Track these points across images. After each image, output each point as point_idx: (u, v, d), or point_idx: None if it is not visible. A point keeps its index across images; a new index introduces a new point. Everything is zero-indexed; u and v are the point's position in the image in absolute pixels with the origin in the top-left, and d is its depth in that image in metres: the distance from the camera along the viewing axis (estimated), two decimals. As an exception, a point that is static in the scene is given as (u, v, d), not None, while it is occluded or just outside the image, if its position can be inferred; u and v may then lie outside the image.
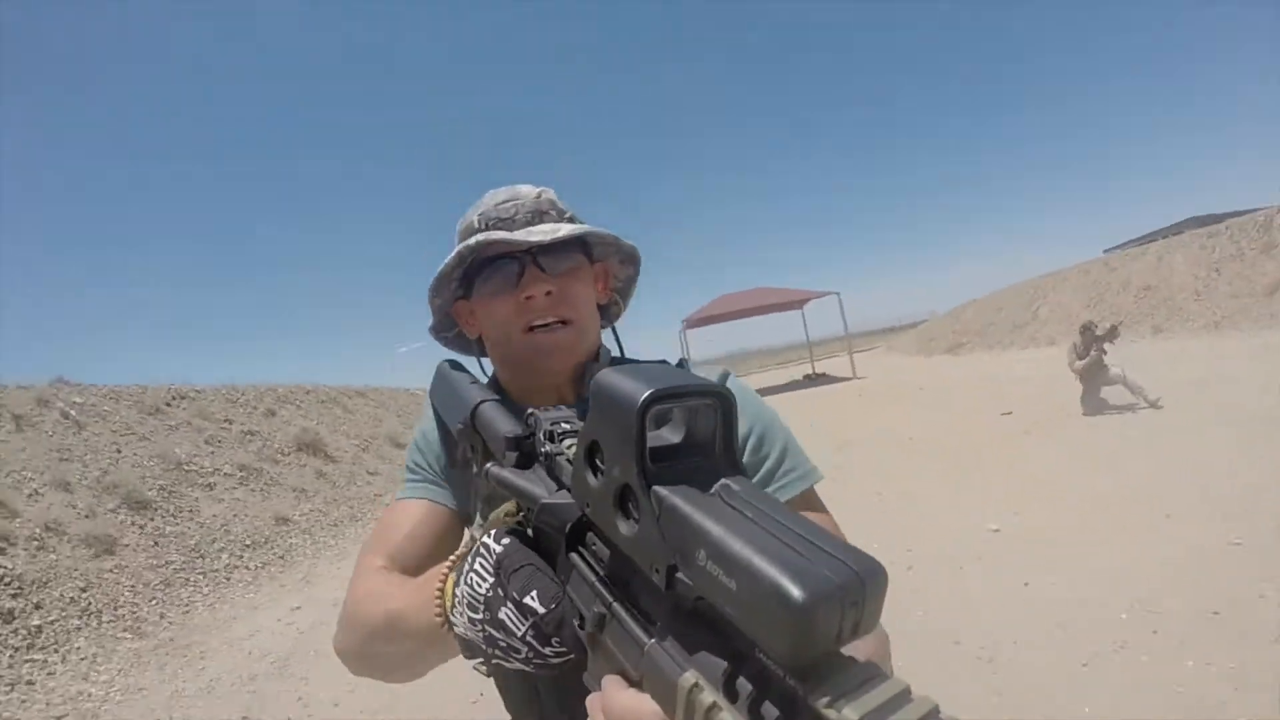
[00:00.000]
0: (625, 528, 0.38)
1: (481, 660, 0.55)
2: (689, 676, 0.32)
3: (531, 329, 0.85)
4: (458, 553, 0.60)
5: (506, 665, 0.52)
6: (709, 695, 0.31)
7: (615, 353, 1.00)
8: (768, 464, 0.86)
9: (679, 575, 0.34)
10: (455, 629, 0.56)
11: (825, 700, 0.27)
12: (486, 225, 0.87)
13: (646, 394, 0.36)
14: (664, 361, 0.77)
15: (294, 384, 11.05)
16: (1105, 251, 21.34)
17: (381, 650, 0.71)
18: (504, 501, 0.57)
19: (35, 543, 5.19)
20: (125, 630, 4.88)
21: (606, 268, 0.98)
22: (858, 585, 0.28)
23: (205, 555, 6.15)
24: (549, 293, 0.84)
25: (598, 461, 0.41)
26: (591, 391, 0.40)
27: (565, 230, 0.83)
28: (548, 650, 0.49)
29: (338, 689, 3.80)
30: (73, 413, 6.65)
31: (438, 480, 0.91)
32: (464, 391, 0.76)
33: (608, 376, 0.39)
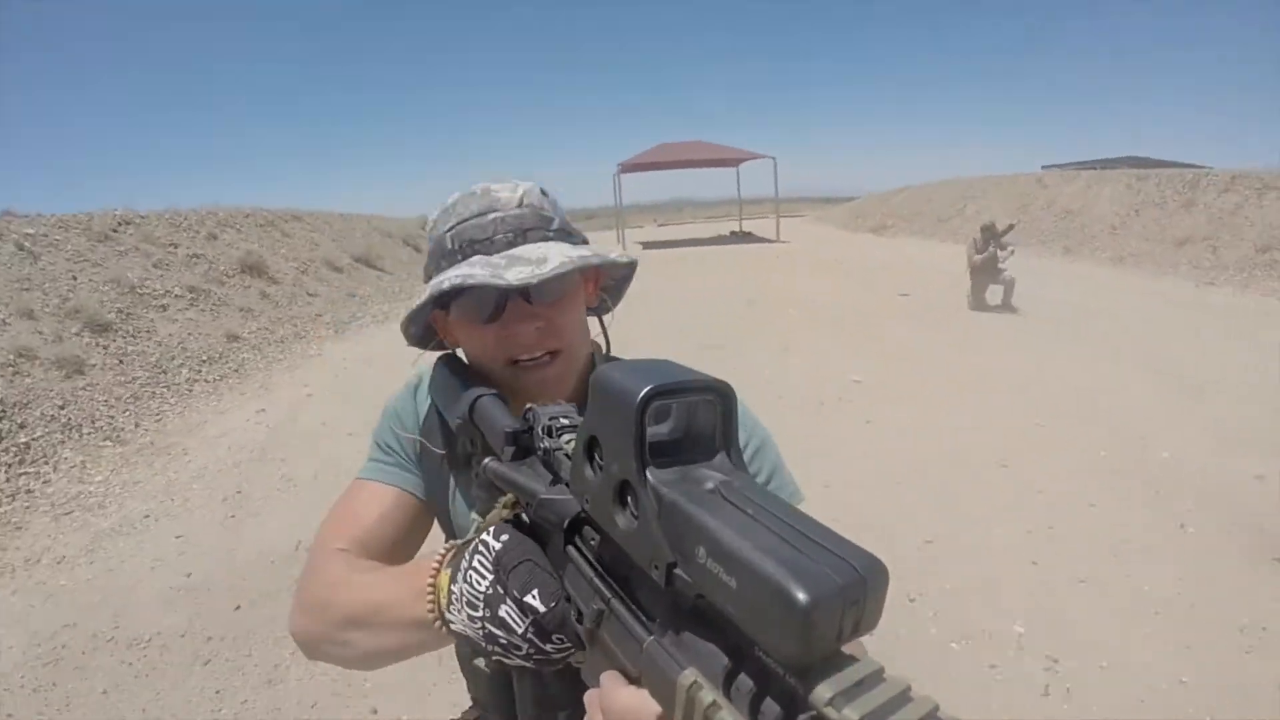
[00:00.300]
0: (624, 523, 0.39)
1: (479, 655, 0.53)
2: (688, 674, 0.32)
3: (516, 362, 0.80)
4: (448, 546, 0.61)
5: (506, 661, 0.52)
6: (709, 693, 0.31)
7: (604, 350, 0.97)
8: (759, 479, 0.85)
9: (678, 572, 0.34)
10: (452, 626, 0.56)
11: (825, 699, 0.27)
12: (460, 247, 0.80)
13: (646, 389, 0.36)
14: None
15: (233, 207, 11.26)
16: (1043, 168, 21.66)
17: (355, 639, 0.69)
18: (503, 495, 0.57)
19: (10, 369, 5.85)
20: (106, 439, 5.71)
21: (599, 270, 0.92)
22: (859, 584, 0.28)
23: (167, 371, 6.92)
24: (537, 326, 0.79)
25: (596, 457, 0.41)
26: (591, 387, 0.40)
27: (553, 265, 0.74)
28: (549, 647, 0.50)
29: (316, 465, 4.86)
30: (27, 244, 7.03)
31: (410, 467, 0.89)
32: (462, 386, 0.75)
33: (607, 372, 0.40)
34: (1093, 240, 15.26)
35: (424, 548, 0.80)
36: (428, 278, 0.85)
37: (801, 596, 0.27)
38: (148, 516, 4.44)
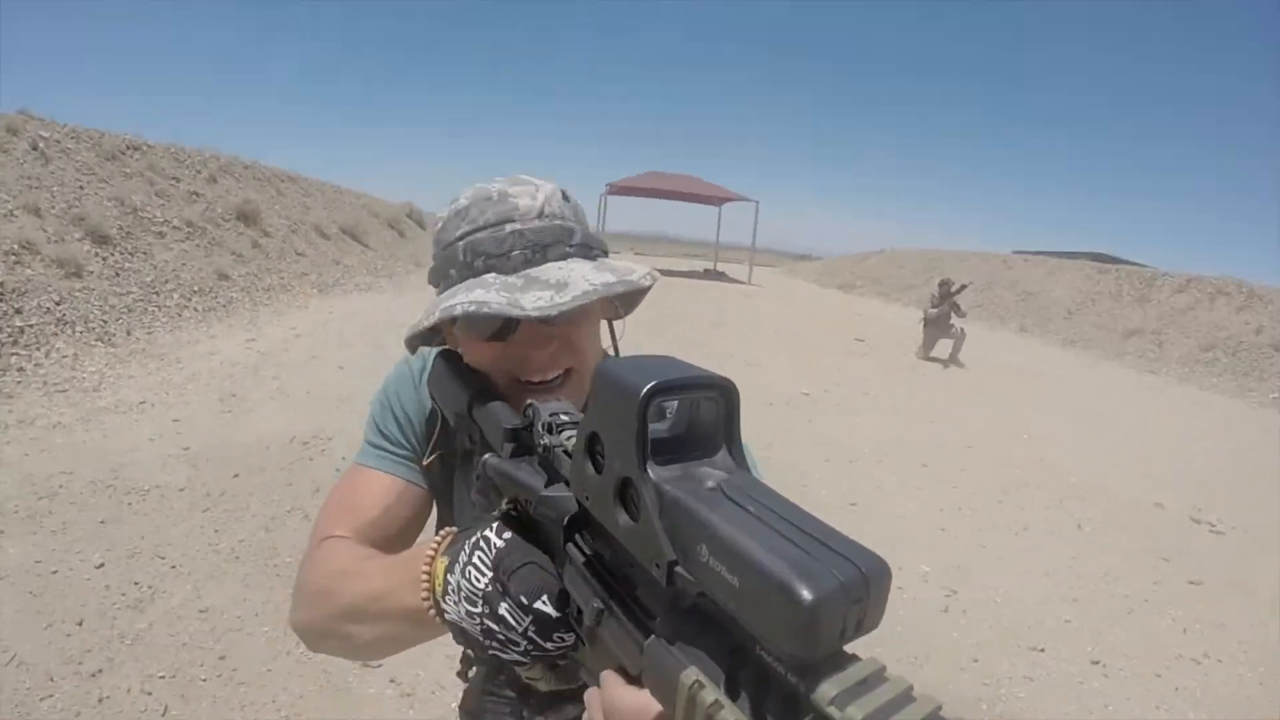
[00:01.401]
0: (625, 521, 0.38)
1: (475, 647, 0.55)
2: (690, 673, 0.32)
3: (525, 383, 0.76)
4: (443, 534, 0.60)
5: (502, 656, 0.52)
6: (710, 693, 0.31)
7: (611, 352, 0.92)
8: None
9: (680, 570, 0.34)
10: (446, 616, 0.55)
11: (829, 698, 0.27)
12: (474, 259, 0.74)
13: (648, 386, 0.36)
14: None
15: (233, 156, 11.50)
16: (1014, 251, 23.23)
17: (354, 631, 0.67)
18: (504, 490, 0.57)
19: (13, 257, 6.00)
20: (97, 340, 5.87)
21: None
22: (862, 583, 0.28)
23: (160, 293, 7.11)
24: (550, 351, 0.75)
25: (598, 454, 0.41)
26: (592, 383, 0.40)
27: (574, 293, 0.68)
28: (549, 645, 0.50)
29: (308, 384, 5.15)
30: (40, 145, 7.23)
31: (410, 454, 0.87)
32: (461, 381, 0.74)
33: (609, 368, 0.39)
34: (1048, 322, 16.21)
35: (423, 536, 0.74)
36: (434, 282, 0.79)
37: (805, 595, 0.27)
38: (144, 403, 4.67)
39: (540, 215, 0.75)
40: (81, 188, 7.38)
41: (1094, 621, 3.22)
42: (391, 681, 2.34)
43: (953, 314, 9.94)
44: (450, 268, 0.76)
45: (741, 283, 22.42)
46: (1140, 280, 15.69)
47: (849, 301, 20.27)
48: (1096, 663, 2.90)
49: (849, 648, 0.30)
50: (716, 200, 26.08)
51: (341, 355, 6.28)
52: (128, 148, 8.72)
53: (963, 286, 10.34)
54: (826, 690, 0.27)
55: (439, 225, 0.80)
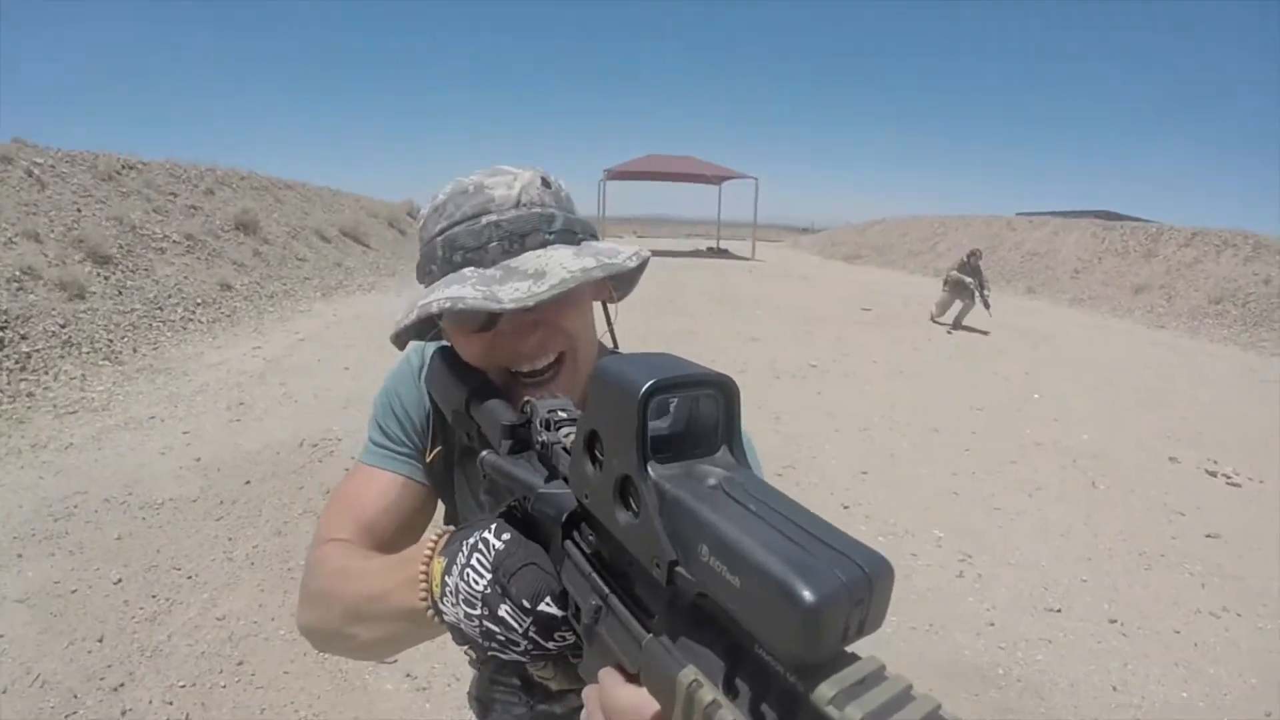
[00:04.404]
0: (624, 519, 0.38)
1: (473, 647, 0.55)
2: (688, 672, 0.32)
3: (516, 373, 0.76)
4: (440, 533, 0.60)
5: (501, 656, 0.52)
6: (709, 692, 0.31)
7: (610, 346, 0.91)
8: None
9: (679, 570, 0.34)
10: (445, 617, 0.55)
11: (827, 698, 0.27)
12: (452, 254, 0.74)
13: (648, 383, 0.36)
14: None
15: (230, 168, 11.52)
16: (1017, 214, 22.88)
17: (357, 631, 0.68)
18: (503, 488, 0.57)
19: (15, 284, 6.05)
20: (104, 359, 5.91)
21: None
22: (865, 584, 0.28)
23: (164, 308, 7.15)
24: (537, 336, 0.74)
25: (596, 451, 0.40)
26: (591, 381, 0.40)
27: (551, 281, 0.67)
28: (550, 645, 0.50)
29: (315, 387, 5.19)
30: (35, 171, 7.26)
31: (412, 452, 0.87)
32: (458, 378, 0.74)
33: (608, 365, 0.39)
34: (1055, 282, 16.10)
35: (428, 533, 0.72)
36: (420, 278, 0.80)
37: (807, 595, 0.26)
38: (153, 418, 4.71)
39: (517, 205, 0.75)
40: (79, 210, 7.42)
41: (1111, 580, 3.20)
42: (407, 676, 2.36)
43: (975, 284, 9.77)
44: (431, 263, 0.76)
45: (745, 259, 22.33)
46: (1146, 236, 15.56)
47: (854, 271, 20.15)
48: (1114, 621, 2.88)
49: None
50: (716, 179, 25.97)
51: (347, 357, 6.29)
52: (123, 167, 8.75)
53: (979, 251, 10.30)
54: (825, 690, 0.27)
55: (421, 222, 0.80)
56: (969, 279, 9.80)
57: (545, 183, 0.78)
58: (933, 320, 10.27)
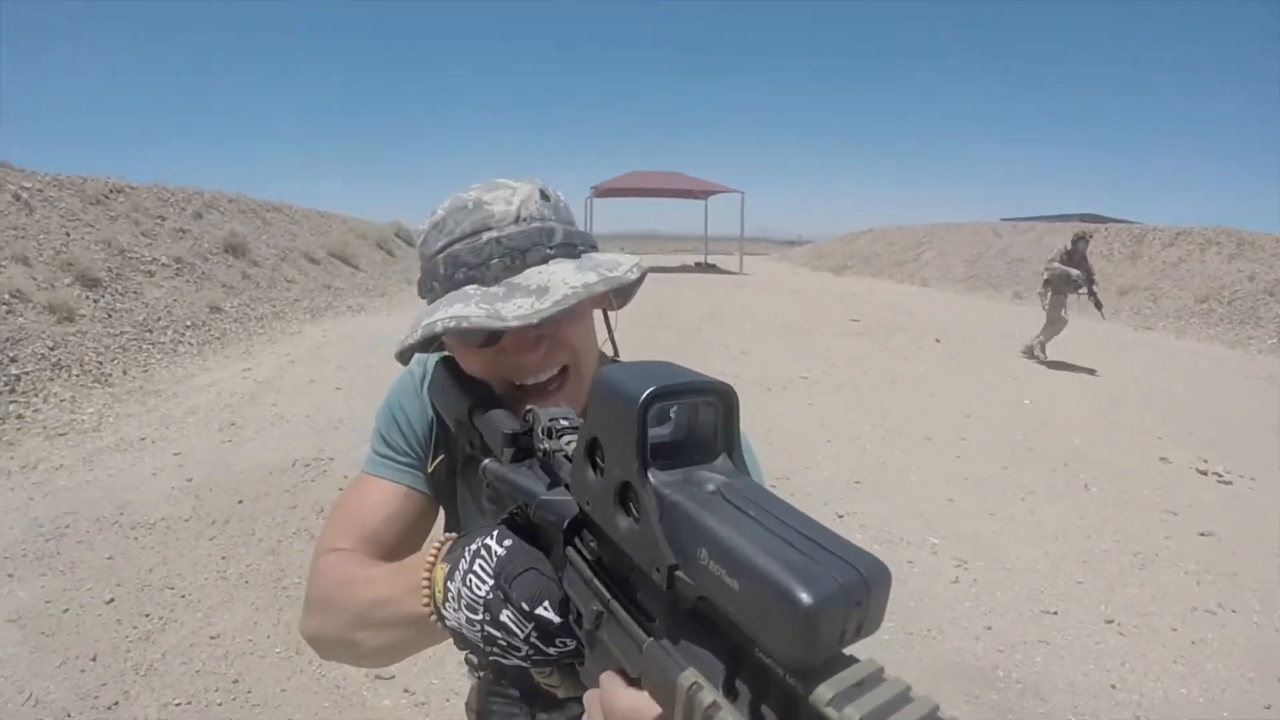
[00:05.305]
0: (625, 525, 0.39)
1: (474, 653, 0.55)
2: (688, 675, 0.32)
3: (520, 387, 0.76)
4: (443, 540, 0.61)
5: (503, 661, 0.52)
6: (709, 694, 0.31)
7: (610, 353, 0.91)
8: None
9: (680, 574, 0.34)
10: (447, 623, 0.56)
11: (826, 699, 0.27)
12: (454, 272, 0.74)
13: (648, 391, 0.36)
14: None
15: (218, 191, 11.52)
16: (1002, 219, 23.08)
17: (361, 638, 0.68)
18: (505, 496, 0.58)
19: (4, 307, 6.02)
20: (95, 382, 5.88)
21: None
22: (863, 587, 0.28)
23: (153, 330, 7.13)
24: (541, 351, 0.75)
25: (598, 458, 0.41)
26: (592, 389, 0.41)
27: (555, 298, 0.68)
28: (551, 650, 0.50)
29: (307, 408, 5.17)
30: (24, 195, 7.24)
31: (415, 462, 0.88)
32: (461, 388, 0.75)
33: (609, 374, 0.40)
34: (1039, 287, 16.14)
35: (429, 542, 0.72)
36: (422, 294, 0.80)
37: (805, 598, 0.27)
38: (144, 439, 4.68)
39: (517, 220, 0.74)
40: (68, 234, 7.40)
41: (1106, 580, 3.22)
42: (405, 691, 2.34)
43: (1082, 277, 7.78)
44: (433, 281, 0.76)
45: (733, 273, 22.44)
46: (1129, 237, 15.65)
47: (842, 283, 20.27)
48: (1111, 621, 2.89)
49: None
50: (702, 194, 26.21)
51: (338, 377, 6.28)
52: (111, 191, 8.74)
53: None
54: (824, 691, 0.27)
55: (421, 239, 0.80)
56: (1074, 271, 7.84)
57: (544, 195, 0.78)
58: (1032, 356, 8.27)
